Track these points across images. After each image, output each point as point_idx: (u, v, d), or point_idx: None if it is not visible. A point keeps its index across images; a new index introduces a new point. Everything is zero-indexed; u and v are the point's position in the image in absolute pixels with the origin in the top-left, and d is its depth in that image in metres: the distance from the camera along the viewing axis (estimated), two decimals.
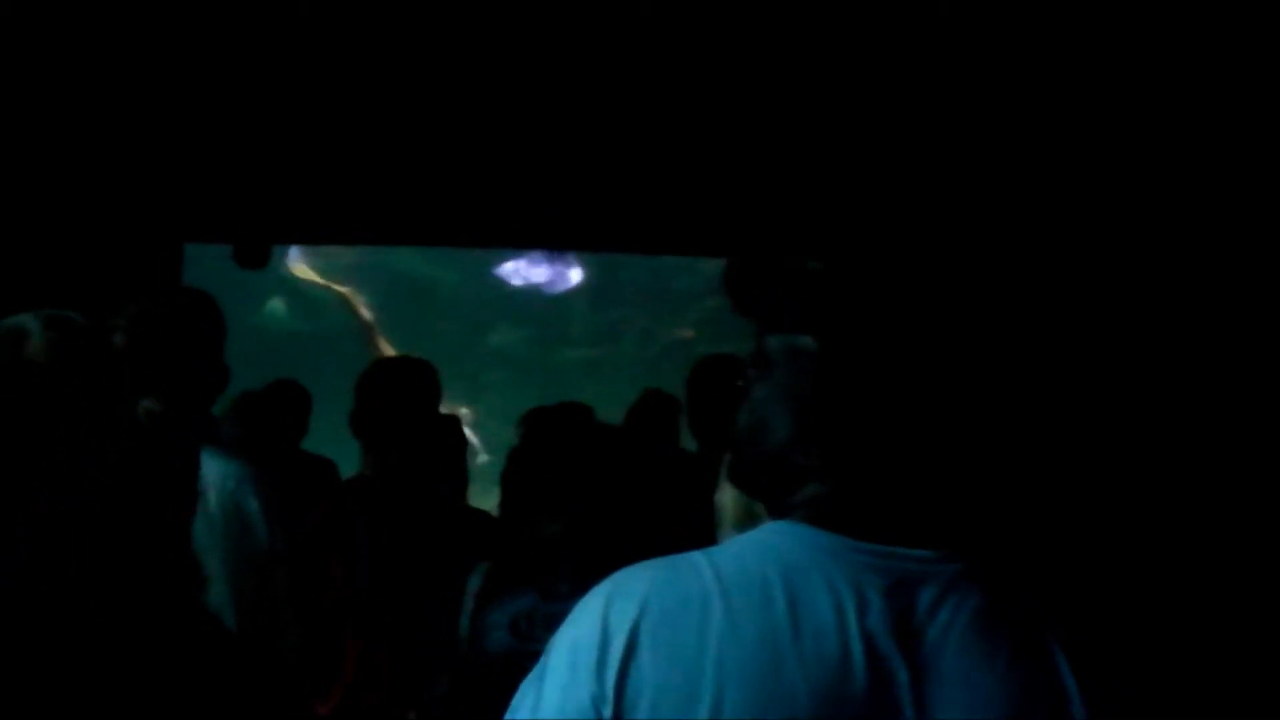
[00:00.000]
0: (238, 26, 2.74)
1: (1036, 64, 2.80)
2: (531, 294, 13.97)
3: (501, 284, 13.89)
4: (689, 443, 3.21)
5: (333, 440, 4.19)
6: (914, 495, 1.04)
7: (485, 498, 3.19)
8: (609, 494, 2.05)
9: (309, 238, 5.59)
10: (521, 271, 13.37)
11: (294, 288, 13.93)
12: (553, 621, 1.05)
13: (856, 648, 0.94)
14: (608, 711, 0.94)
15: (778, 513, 1.05)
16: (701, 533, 1.42)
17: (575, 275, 13.55)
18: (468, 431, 4.11)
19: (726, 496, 1.59)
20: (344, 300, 13.92)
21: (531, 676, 1.01)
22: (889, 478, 1.03)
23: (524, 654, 1.91)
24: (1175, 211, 2.99)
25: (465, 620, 2.13)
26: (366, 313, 13.73)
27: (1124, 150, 3.03)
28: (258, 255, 4.52)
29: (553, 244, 5.08)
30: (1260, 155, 2.79)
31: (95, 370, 1.19)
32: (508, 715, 1.01)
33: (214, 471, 1.92)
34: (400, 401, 2.57)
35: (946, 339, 1.07)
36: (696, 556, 1.01)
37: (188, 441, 1.70)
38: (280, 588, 2.01)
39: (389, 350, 12.22)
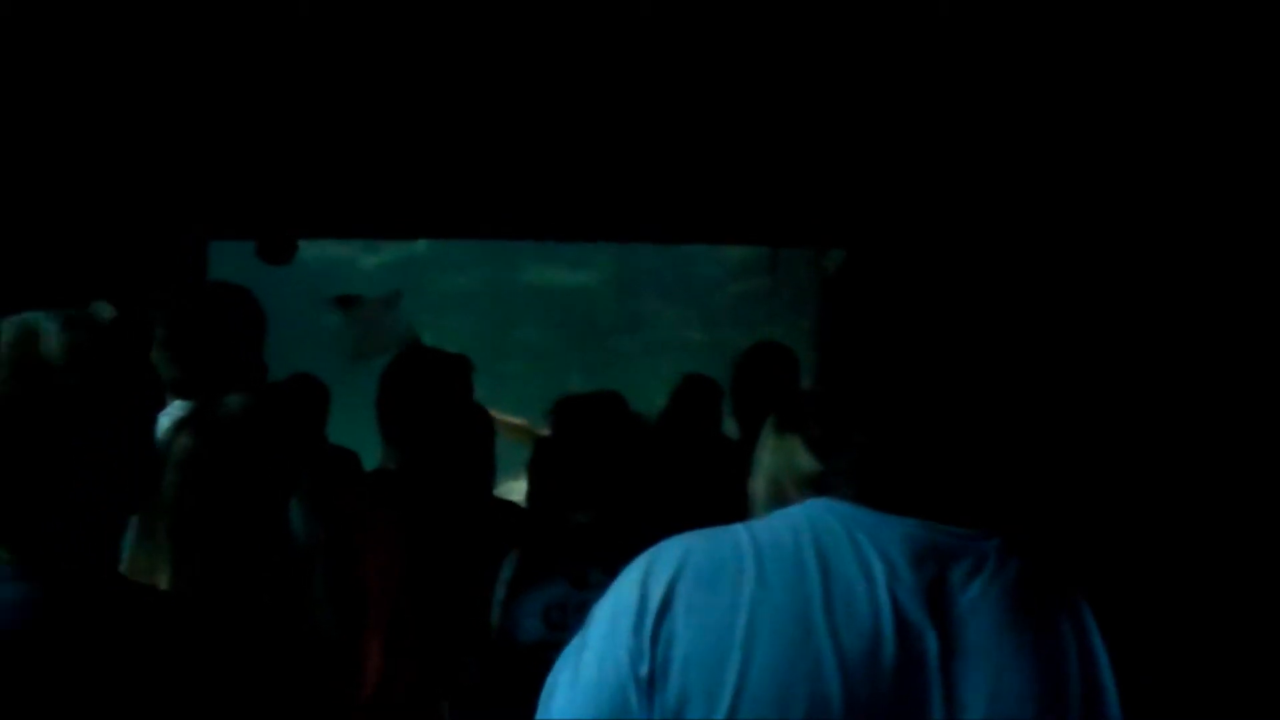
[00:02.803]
0: (260, 24, 2.75)
1: (1037, 60, 2.81)
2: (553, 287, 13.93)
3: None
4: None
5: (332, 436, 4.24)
6: (950, 470, 1.05)
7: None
8: (641, 482, 2.06)
9: (333, 231, 5.63)
10: None
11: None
12: (585, 610, 1.06)
13: (887, 618, 0.96)
14: (644, 668, 0.96)
15: (819, 483, 1.07)
16: (736, 521, 1.42)
17: None
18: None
19: (759, 484, 1.58)
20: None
21: (573, 643, 1.04)
22: (917, 440, 1.05)
23: (556, 643, 1.91)
24: (1183, 189, 3.00)
25: (496, 610, 2.13)
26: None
27: (1124, 135, 3.05)
28: (283, 250, 4.54)
29: (573, 235, 5.08)
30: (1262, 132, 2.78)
31: (117, 370, 1.15)
32: (550, 679, 1.04)
33: None
34: (434, 393, 2.57)
35: (964, 315, 1.07)
36: (736, 527, 1.05)
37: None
38: (316, 580, 2.02)
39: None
